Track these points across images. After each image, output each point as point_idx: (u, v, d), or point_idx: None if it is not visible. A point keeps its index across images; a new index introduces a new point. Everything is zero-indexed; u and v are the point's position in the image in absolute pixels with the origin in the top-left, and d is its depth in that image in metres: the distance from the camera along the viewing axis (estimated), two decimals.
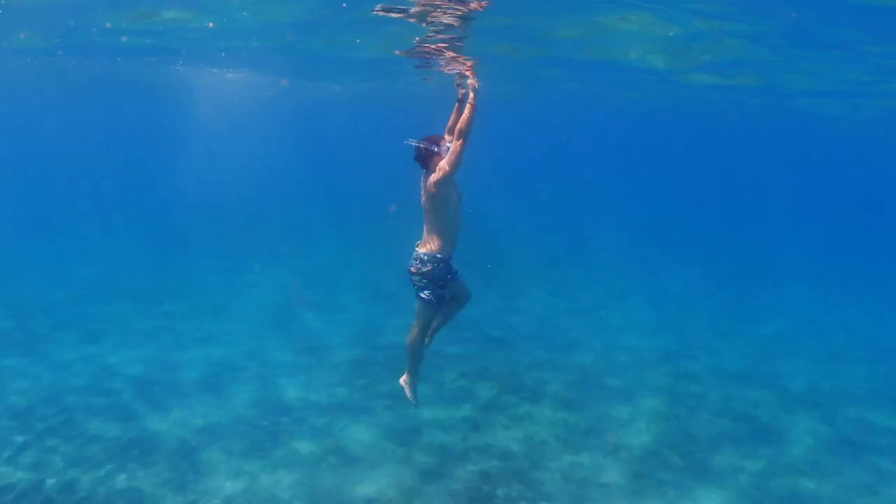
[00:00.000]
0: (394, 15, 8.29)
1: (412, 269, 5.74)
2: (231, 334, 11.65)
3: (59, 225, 22.82)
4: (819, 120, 22.09)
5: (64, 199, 29.07)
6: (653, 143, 49.09)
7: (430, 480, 7.03)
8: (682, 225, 30.01)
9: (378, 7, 8.01)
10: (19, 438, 7.78)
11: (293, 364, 10.30)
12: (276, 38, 11.82)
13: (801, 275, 19.77)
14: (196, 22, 10.76)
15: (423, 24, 8.45)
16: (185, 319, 12.47)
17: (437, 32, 8.75)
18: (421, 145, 5.57)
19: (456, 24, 8.41)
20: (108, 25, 11.43)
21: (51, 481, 6.90)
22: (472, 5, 7.60)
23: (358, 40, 10.96)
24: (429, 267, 5.64)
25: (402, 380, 6.27)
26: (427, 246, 5.73)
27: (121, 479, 6.94)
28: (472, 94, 5.45)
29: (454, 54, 9.93)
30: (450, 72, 11.17)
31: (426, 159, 5.59)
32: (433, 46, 9.55)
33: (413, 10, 7.82)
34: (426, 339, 6.36)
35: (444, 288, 5.76)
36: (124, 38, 12.70)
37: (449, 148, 5.41)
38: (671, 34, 9.40)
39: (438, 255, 5.67)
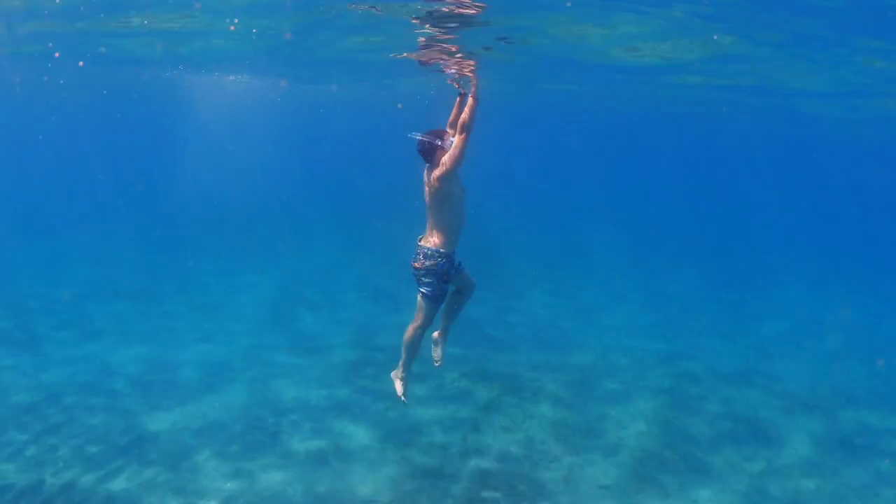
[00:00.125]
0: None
1: (416, 264, 5.72)
2: (230, 334, 11.65)
3: (60, 225, 22.80)
4: (817, 121, 22.12)
5: (65, 200, 29.05)
6: (652, 143, 49.09)
7: (430, 481, 7.02)
8: (682, 226, 29.99)
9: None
10: (18, 437, 7.78)
11: (292, 364, 10.29)
12: (274, 39, 11.84)
13: (800, 275, 19.81)
14: (194, 26, 10.82)
15: (426, 28, 8.50)
16: (184, 319, 12.47)
17: (439, 33, 8.78)
18: (424, 139, 5.56)
19: (456, 27, 8.46)
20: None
21: (50, 481, 6.89)
22: (470, 10, 7.62)
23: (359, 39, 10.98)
24: (433, 262, 5.63)
25: (394, 374, 6.23)
26: (430, 240, 5.71)
27: (119, 479, 6.94)
28: (473, 88, 5.44)
29: (456, 55, 9.95)
30: (450, 72, 11.18)
31: (429, 153, 5.57)
32: (435, 50, 9.58)
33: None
34: (441, 341, 6.36)
35: (447, 282, 5.75)
36: (125, 42, 12.75)
37: (452, 142, 5.40)
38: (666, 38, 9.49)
39: (442, 250, 5.66)
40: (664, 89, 16.43)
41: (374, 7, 8.17)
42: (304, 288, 14.81)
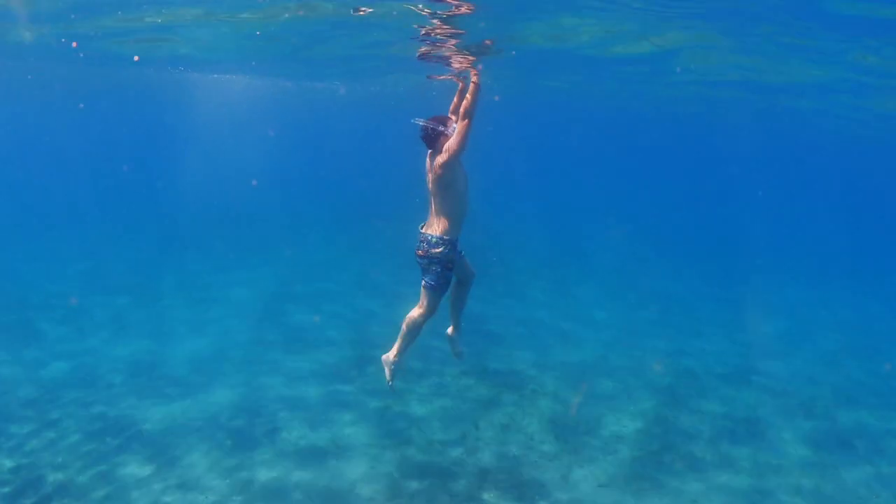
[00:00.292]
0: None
1: (419, 252, 5.69)
2: (228, 329, 11.64)
3: (59, 221, 22.82)
4: (815, 119, 22.16)
5: (64, 196, 29.03)
6: (651, 141, 49.14)
7: (428, 479, 7.01)
8: (680, 225, 30.00)
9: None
10: (16, 432, 7.79)
11: (289, 360, 10.27)
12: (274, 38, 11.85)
13: (798, 274, 19.82)
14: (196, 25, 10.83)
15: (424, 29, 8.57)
16: (182, 314, 12.43)
17: (438, 30, 8.81)
18: (428, 125, 5.53)
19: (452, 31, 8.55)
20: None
21: (49, 476, 6.89)
22: (463, 9, 7.64)
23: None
24: (437, 249, 5.60)
25: (386, 358, 6.17)
26: (433, 228, 5.68)
27: (116, 476, 6.92)
28: (474, 76, 5.43)
29: (454, 51, 9.98)
30: (450, 66, 11.21)
31: (433, 139, 5.54)
32: (435, 46, 9.59)
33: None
34: (455, 336, 6.34)
35: (451, 270, 5.72)
36: (130, 41, 12.78)
37: (455, 129, 5.38)
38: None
39: (446, 237, 5.63)
40: (660, 86, 16.47)
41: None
42: (303, 285, 14.79)
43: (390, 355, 6.14)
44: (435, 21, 8.31)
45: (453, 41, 9.44)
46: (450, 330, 6.43)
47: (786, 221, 38.38)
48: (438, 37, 9.02)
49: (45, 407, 8.50)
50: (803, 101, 17.03)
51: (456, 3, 7.43)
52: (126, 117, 46.47)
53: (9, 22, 11.54)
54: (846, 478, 7.65)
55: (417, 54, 10.66)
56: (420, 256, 5.69)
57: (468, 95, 5.26)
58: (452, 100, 5.84)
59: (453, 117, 5.60)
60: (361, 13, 8.95)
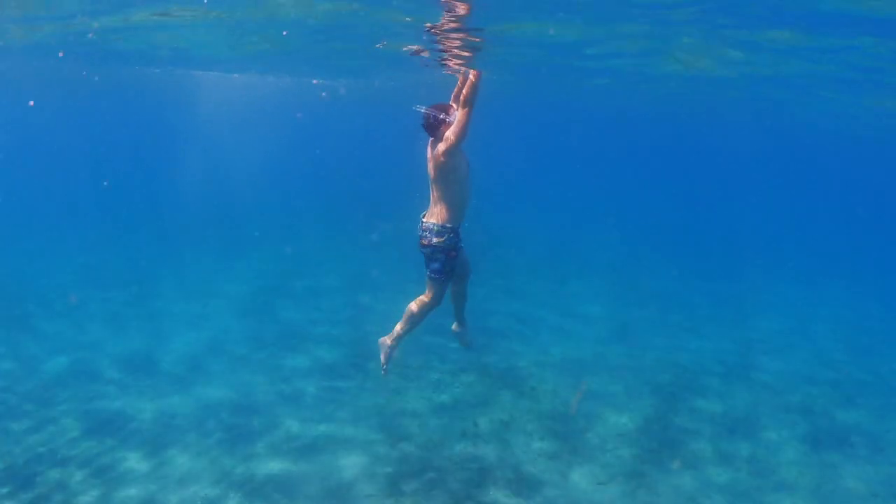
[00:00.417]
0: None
1: (423, 241, 5.68)
2: (225, 325, 11.65)
3: (57, 218, 22.90)
4: (810, 118, 22.22)
5: (63, 194, 29.05)
6: (647, 140, 49.19)
7: (426, 476, 7.00)
8: (679, 223, 30.00)
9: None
10: (11, 426, 7.80)
11: (286, 356, 10.28)
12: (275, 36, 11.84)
13: (794, 272, 19.81)
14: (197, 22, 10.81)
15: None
16: (179, 310, 12.47)
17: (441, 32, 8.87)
18: (429, 112, 5.51)
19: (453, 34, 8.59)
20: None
21: (46, 472, 6.88)
22: (460, 10, 7.66)
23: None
24: (441, 238, 5.59)
25: (383, 341, 6.17)
26: (435, 216, 5.66)
27: (111, 470, 6.91)
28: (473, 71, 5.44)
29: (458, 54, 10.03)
30: (449, 63, 11.25)
31: (434, 127, 5.52)
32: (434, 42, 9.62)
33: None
34: (461, 330, 6.34)
35: (455, 258, 5.71)
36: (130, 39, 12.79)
37: (456, 116, 5.36)
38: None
39: (448, 225, 5.62)
40: (656, 84, 16.51)
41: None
42: (301, 280, 14.81)
43: (388, 339, 6.14)
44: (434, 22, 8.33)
45: (451, 40, 9.47)
46: (454, 326, 6.45)
47: (784, 220, 38.38)
48: (436, 34, 9.03)
49: (41, 402, 8.51)
50: (800, 97, 17.06)
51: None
52: (125, 115, 46.44)
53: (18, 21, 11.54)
54: (845, 477, 7.64)
55: (406, 48, 10.71)
56: (423, 246, 5.67)
57: (469, 84, 5.24)
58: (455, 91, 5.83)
59: (454, 105, 5.57)
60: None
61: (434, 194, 5.68)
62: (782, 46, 10.16)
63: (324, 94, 23.89)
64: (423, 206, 5.98)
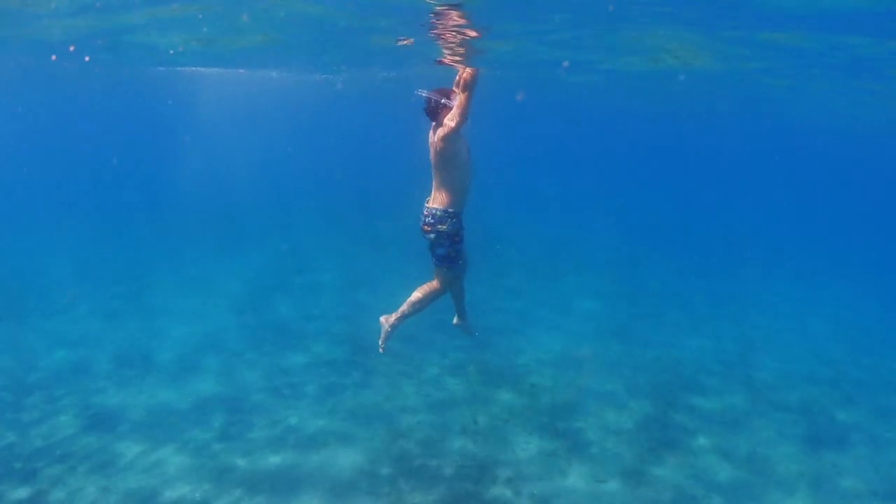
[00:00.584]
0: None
1: (426, 227, 5.68)
2: (222, 320, 11.67)
3: (55, 214, 22.91)
4: (808, 115, 22.27)
5: (61, 190, 29.03)
6: (642, 137, 49.18)
7: (426, 473, 7.00)
8: (676, 220, 29.99)
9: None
10: (6, 419, 7.81)
11: (283, 351, 10.29)
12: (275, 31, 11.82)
13: (795, 271, 19.79)
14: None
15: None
16: (176, 305, 12.50)
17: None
18: (431, 97, 5.52)
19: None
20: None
21: (43, 466, 6.88)
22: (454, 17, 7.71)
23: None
24: (443, 224, 5.59)
25: (385, 319, 6.17)
26: (438, 202, 5.66)
27: (107, 465, 6.91)
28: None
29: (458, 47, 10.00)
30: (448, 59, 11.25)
31: (435, 111, 5.54)
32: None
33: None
34: (463, 322, 6.34)
35: (460, 243, 5.71)
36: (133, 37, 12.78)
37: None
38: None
39: (451, 210, 5.62)
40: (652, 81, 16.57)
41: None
42: (298, 276, 14.83)
43: (390, 318, 6.16)
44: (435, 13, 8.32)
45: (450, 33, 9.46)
46: (455, 320, 6.45)
47: (783, 218, 38.35)
48: (439, 25, 9.02)
49: (40, 397, 8.53)
50: (799, 95, 17.10)
51: None
52: (124, 111, 46.33)
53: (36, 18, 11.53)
54: (844, 475, 7.64)
55: (397, 41, 10.72)
56: (426, 232, 5.66)
57: (468, 70, 5.27)
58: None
59: (456, 90, 5.58)
60: None
61: (436, 180, 5.69)
62: (777, 43, 10.22)
63: (340, 85, 23.84)
64: (424, 198, 5.97)
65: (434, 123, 5.60)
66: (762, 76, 14.30)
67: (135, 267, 15.32)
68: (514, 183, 38.39)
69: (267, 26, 10.70)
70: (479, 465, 7.20)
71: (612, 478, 7.12)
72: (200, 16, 9.91)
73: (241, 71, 21.18)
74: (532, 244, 20.19)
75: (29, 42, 14.09)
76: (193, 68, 20.21)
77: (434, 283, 5.91)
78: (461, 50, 10.53)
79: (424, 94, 5.56)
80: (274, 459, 7.14)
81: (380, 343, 6.30)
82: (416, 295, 6.03)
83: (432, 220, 5.62)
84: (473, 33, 9.49)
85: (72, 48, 13.89)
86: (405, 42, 10.84)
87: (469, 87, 5.23)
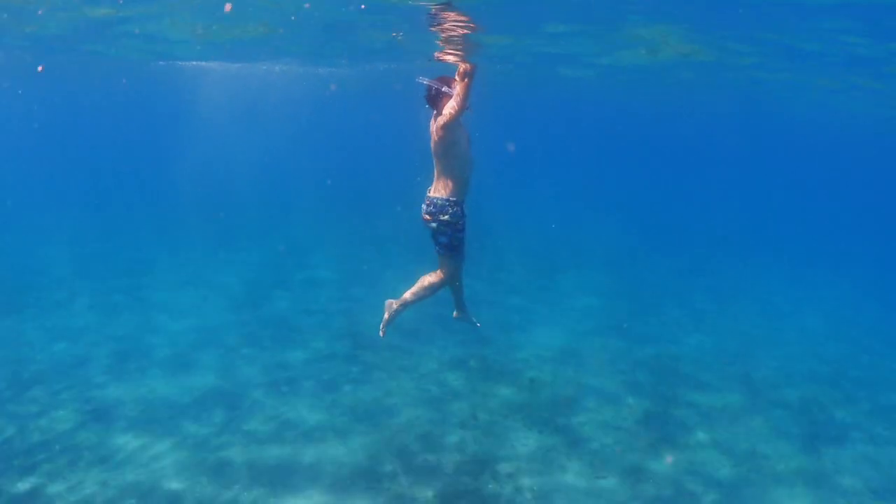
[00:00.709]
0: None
1: (426, 216, 5.68)
2: (219, 314, 11.68)
3: (55, 208, 22.89)
4: (799, 110, 22.29)
5: (63, 184, 29.01)
6: (635, 132, 49.18)
7: (426, 468, 6.99)
8: (675, 217, 30.00)
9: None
10: (3, 411, 7.81)
11: (280, 346, 10.28)
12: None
13: (790, 270, 19.80)
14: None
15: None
16: (174, 299, 12.49)
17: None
18: (432, 84, 5.54)
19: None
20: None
21: (40, 457, 6.87)
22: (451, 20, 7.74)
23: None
24: (444, 213, 5.60)
25: (390, 302, 6.17)
26: (439, 191, 5.67)
27: (105, 457, 6.90)
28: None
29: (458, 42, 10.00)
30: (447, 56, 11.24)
31: (435, 99, 5.56)
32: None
33: None
34: (463, 314, 6.33)
35: (462, 230, 5.71)
36: (136, 30, 12.76)
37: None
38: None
39: (452, 199, 5.62)
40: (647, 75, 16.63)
41: None
42: (298, 273, 14.81)
43: (394, 303, 6.15)
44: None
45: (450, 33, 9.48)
46: (455, 314, 6.44)
47: (783, 216, 38.35)
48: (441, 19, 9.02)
49: (38, 389, 8.53)
50: (798, 93, 17.14)
51: None
52: (123, 107, 46.25)
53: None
54: (843, 473, 7.64)
55: (393, 34, 10.74)
56: (427, 221, 5.66)
57: (467, 62, 5.32)
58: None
59: (457, 79, 5.60)
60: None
61: (437, 168, 5.71)
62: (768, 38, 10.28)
63: (333, 85, 23.86)
64: (425, 188, 5.96)
65: (434, 112, 5.62)
66: (757, 71, 14.34)
67: (134, 262, 15.31)
68: (513, 179, 38.35)
69: (267, 15, 10.66)
70: (479, 460, 7.19)
71: (611, 474, 7.12)
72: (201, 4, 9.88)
73: (240, 65, 21.14)
74: (531, 241, 20.19)
75: (25, 36, 14.09)
76: (193, 63, 20.16)
77: (438, 272, 5.91)
78: (460, 45, 10.52)
79: (425, 81, 5.58)
80: (273, 454, 7.12)
81: (381, 327, 6.31)
82: (421, 283, 6.04)
83: (433, 210, 5.62)
84: (470, 29, 9.49)
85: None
86: (399, 36, 10.84)
87: (468, 75, 5.27)
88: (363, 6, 8.90)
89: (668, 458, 7.50)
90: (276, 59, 18.58)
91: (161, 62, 19.71)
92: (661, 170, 52.41)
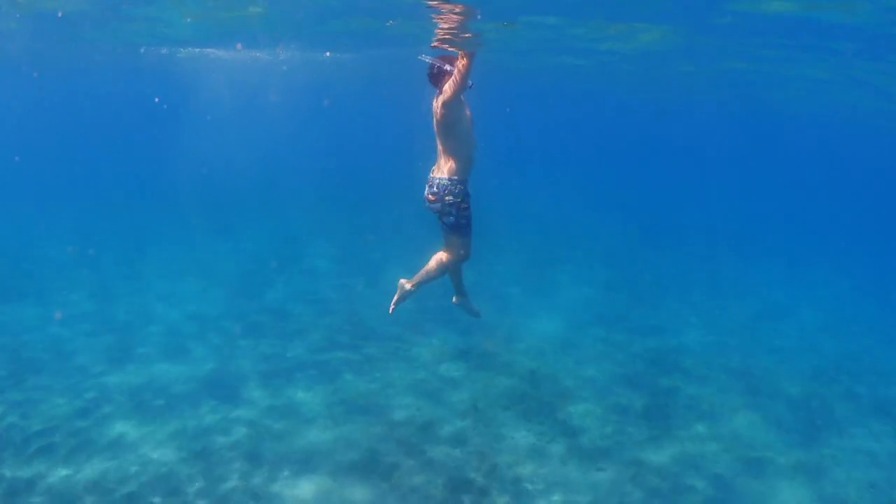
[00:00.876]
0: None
1: (430, 196, 5.65)
2: (214, 303, 11.67)
3: (53, 194, 22.88)
4: (795, 105, 22.26)
5: (62, 171, 28.94)
6: (631, 126, 49.11)
7: (425, 459, 6.98)
8: (673, 213, 29.95)
9: None
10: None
11: (278, 337, 10.27)
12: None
13: (788, 263, 19.79)
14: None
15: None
16: (172, 287, 12.49)
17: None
18: (434, 62, 5.51)
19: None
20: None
21: (33, 445, 6.87)
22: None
23: None
24: (448, 193, 5.57)
25: (404, 281, 6.17)
26: (442, 171, 5.65)
27: (99, 442, 6.90)
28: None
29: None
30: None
31: (438, 77, 5.55)
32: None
33: None
34: (462, 299, 6.31)
35: (468, 210, 5.68)
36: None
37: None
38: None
39: (455, 178, 5.60)
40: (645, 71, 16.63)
41: None
42: (295, 263, 14.79)
43: (407, 282, 6.14)
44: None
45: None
46: (455, 299, 6.42)
47: (783, 213, 38.32)
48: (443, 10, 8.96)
49: (35, 376, 8.55)
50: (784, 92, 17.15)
51: None
52: (124, 96, 46.07)
53: None
54: (843, 466, 7.64)
55: (389, 24, 10.69)
56: (431, 202, 5.63)
57: (465, 49, 5.31)
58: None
59: (459, 56, 5.59)
60: None
61: (440, 147, 5.69)
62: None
63: (327, 101, 23.91)
64: (424, 178, 5.92)
65: (438, 92, 5.59)
66: (759, 65, 14.33)
67: (134, 251, 15.26)
68: (511, 172, 38.29)
69: None
70: (478, 451, 7.18)
71: (610, 465, 7.12)
72: None
73: (238, 53, 20.98)
74: (530, 233, 20.13)
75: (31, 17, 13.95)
76: (191, 49, 20.01)
77: (448, 252, 5.88)
78: (457, 34, 10.44)
79: (427, 59, 5.55)
80: (270, 445, 7.11)
81: (392, 303, 6.29)
82: (434, 261, 6.01)
83: (437, 191, 5.60)
84: (467, 16, 9.45)
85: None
86: (393, 23, 10.79)
87: (468, 55, 5.25)
88: None
89: (674, 450, 7.50)
90: (274, 44, 18.43)
91: (164, 49, 19.59)
92: (661, 164, 52.34)
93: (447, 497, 6.37)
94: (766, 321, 13.22)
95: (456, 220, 5.63)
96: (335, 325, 10.87)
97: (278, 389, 8.42)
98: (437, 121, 5.54)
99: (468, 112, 5.63)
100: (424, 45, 11.70)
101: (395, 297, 6.26)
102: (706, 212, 30.88)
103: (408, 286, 6.16)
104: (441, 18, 9.36)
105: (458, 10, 8.52)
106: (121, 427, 7.32)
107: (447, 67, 5.48)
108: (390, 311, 6.40)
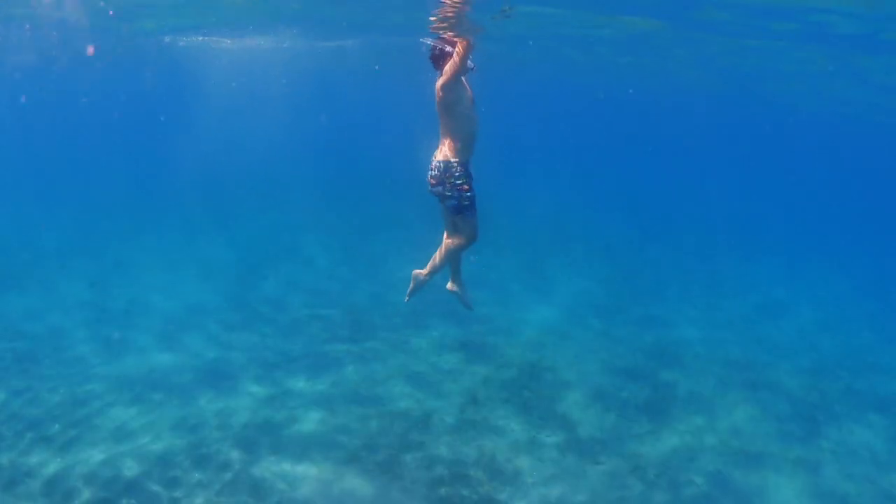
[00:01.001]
0: None
1: (431, 180, 5.65)
2: (211, 295, 11.64)
3: (49, 186, 22.82)
4: (792, 101, 22.21)
5: (51, 164, 28.85)
6: (630, 120, 48.98)
7: (425, 452, 6.98)
8: (672, 209, 29.93)
9: None
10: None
11: (276, 330, 10.27)
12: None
13: (787, 260, 19.80)
14: None
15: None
16: (167, 278, 12.46)
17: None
18: (436, 44, 5.56)
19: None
20: None
21: (30, 435, 6.86)
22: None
23: None
24: (448, 174, 5.57)
25: (417, 273, 6.18)
26: (444, 153, 5.65)
27: (97, 429, 6.90)
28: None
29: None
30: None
31: (439, 59, 5.58)
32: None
33: None
34: (459, 288, 6.30)
35: (470, 191, 5.66)
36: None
37: None
38: None
39: (454, 159, 5.59)
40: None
41: None
42: (291, 255, 14.74)
43: (421, 272, 6.14)
44: None
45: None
46: (449, 285, 6.38)
47: (782, 210, 38.32)
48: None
49: (35, 365, 8.57)
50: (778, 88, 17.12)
51: None
52: (121, 87, 45.86)
53: None
54: (842, 461, 7.65)
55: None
56: (432, 185, 5.62)
57: (465, 39, 5.34)
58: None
59: (459, 39, 5.62)
60: None
61: (441, 128, 5.70)
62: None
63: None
64: (424, 167, 5.89)
65: (439, 73, 5.62)
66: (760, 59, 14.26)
67: (130, 242, 15.17)
68: (510, 166, 38.25)
69: None
70: (478, 443, 7.18)
71: (609, 458, 7.12)
72: None
73: (230, 41, 20.84)
74: (530, 227, 20.11)
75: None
76: (188, 38, 19.86)
77: (454, 237, 5.87)
78: (456, 23, 10.39)
79: (429, 41, 5.59)
80: (269, 436, 7.11)
81: (406, 294, 6.30)
82: (443, 248, 6.00)
83: (438, 174, 5.59)
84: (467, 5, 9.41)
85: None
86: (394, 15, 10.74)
87: (468, 38, 5.28)
88: None
89: (673, 445, 7.50)
90: (274, 30, 18.30)
91: (166, 38, 19.45)
92: (661, 161, 52.27)
93: (446, 489, 6.38)
94: (765, 317, 13.22)
95: (458, 202, 5.61)
96: (334, 316, 10.87)
97: (277, 380, 8.41)
98: (437, 101, 5.58)
99: (469, 93, 5.63)
100: (423, 31, 11.67)
101: (410, 287, 6.27)
102: (706, 209, 30.86)
103: (421, 276, 6.16)
104: (441, 10, 9.32)
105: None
106: (120, 417, 7.31)
107: (448, 49, 5.54)
108: (406, 300, 6.43)
